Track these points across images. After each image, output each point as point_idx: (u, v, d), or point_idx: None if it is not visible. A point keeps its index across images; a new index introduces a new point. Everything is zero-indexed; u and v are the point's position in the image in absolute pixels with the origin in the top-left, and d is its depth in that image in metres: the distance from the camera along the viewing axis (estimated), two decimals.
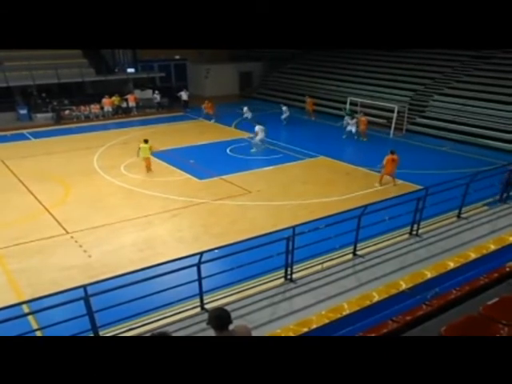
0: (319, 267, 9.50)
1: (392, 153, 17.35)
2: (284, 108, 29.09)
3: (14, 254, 12.51)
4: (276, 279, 9.26)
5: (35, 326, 8.88)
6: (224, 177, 18.63)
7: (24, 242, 13.10)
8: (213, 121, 29.84)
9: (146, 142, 19.21)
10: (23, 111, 30.12)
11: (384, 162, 17.32)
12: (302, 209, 15.25)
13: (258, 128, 22.51)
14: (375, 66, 33.96)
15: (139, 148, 19.11)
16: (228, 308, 8.05)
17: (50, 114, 30.24)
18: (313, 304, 8.30)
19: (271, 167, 20.06)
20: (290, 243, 8.97)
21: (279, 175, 19.06)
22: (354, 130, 24.55)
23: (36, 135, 26.64)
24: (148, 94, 34.81)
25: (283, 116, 28.74)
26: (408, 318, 5.13)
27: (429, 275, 8.99)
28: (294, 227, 8.96)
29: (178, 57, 40.82)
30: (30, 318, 8.93)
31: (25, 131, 27.58)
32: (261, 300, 8.63)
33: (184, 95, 34.40)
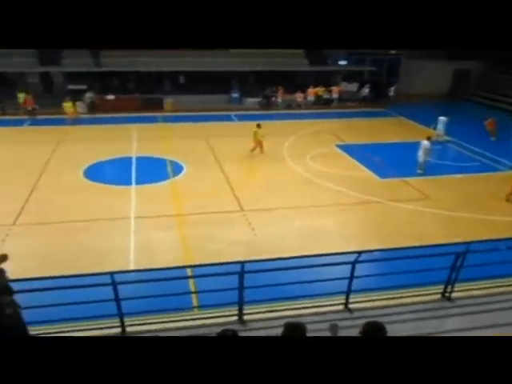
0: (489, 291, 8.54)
1: None
2: None
3: (194, 222, 13.92)
4: (432, 294, 8.67)
5: (192, 289, 9.88)
6: (406, 179, 17.81)
7: (204, 212, 14.50)
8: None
9: (258, 126, 20.40)
10: (235, 95, 32.89)
11: None
12: (481, 225, 13.73)
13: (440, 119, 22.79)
14: None
15: (255, 132, 20.40)
16: (371, 313, 7.92)
17: (257, 99, 32.36)
18: (469, 329, 7.56)
19: (461, 175, 18.44)
20: (460, 259, 8.24)
21: (467, 185, 17.40)
22: None
23: (241, 118, 28.80)
24: (353, 87, 34.88)
25: None
26: None
27: None
28: (468, 243, 8.18)
29: (393, 51, 39.58)
30: (190, 280, 10.00)
31: (232, 113, 30.10)
32: (407, 312, 8.20)
33: (391, 91, 33.65)
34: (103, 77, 31.73)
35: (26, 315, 6.42)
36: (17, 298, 6.24)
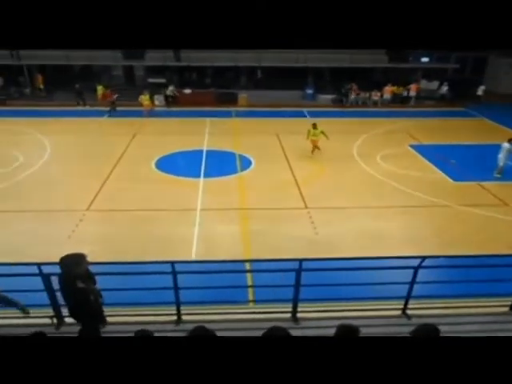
0: None
1: None
2: None
3: (257, 216, 14.06)
4: (499, 306, 8.20)
5: (249, 283, 10.00)
6: (483, 183, 16.90)
7: (268, 207, 14.61)
8: None
9: (314, 126, 19.85)
10: (310, 91, 32.61)
11: None
12: None
13: None
14: None
15: (309, 131, 19.94)
16: (430, 320, 7.64)
17: (331, 96, 31.95)
18: None
19: None
20: None
21: None
22: None
23: (313, 114, 28.33)
24: (434, 85, 33.50)
25: None
26: None
27: None
28: None
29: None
30: (247, 274, 10.15)
31: (305, 109, 29.89)
32: (469, 323, 7.83)
33: (480, 90, 32.49)
34: (182, 71, 32.73)
35: None
36: None
